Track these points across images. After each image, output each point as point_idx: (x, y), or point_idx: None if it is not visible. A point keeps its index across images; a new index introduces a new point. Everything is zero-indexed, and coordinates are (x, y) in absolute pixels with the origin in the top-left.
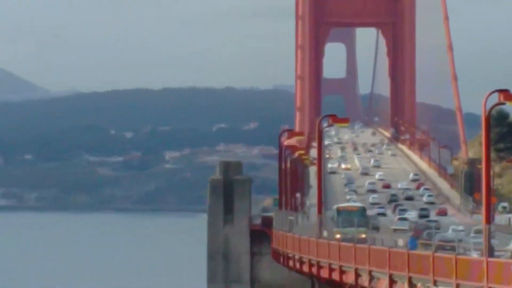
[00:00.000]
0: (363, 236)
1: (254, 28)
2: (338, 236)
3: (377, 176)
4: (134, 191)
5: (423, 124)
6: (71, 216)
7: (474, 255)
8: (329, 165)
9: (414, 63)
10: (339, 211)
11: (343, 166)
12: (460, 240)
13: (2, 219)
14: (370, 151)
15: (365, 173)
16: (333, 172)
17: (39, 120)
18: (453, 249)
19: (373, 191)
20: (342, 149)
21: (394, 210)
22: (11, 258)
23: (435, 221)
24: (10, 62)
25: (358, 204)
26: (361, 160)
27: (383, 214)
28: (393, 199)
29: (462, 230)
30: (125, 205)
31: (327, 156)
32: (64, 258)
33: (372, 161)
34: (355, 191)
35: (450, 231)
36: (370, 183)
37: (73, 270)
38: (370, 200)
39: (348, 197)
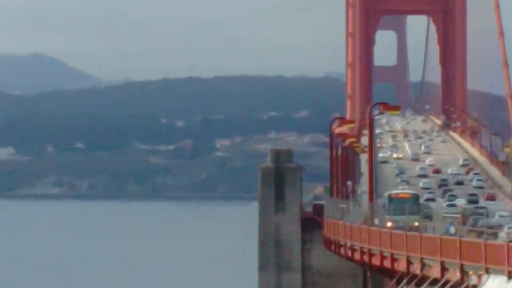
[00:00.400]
0: (416, 224)
1: (305, 16)
2: (389, 224)
3: (427, 162)
4: (185, 180)
5: (474, 111)
6: (122, 205)
7: (502, 235)
8: (380, 154)
9: (465, 50)
10: (391, 198)
11: (394, 155)
12: (500, 225)
13: (54, 208)
14: (420, 137)
15: (415, 159)
16: (385, 162)
17: (91, 109)
18: (495, 234)
19: (423, 176)
20: (394, 137)
21: (443, 195)
22: (63, 246)
23: (483, 207)
24: (62, 52)
25: (410, 191)
26: (411, 146)
27: (433, 199)
28: (443, 184)
29: (507, 216)
30: (176, 194)
31: (378, 145)
32: (116, 246)
33: (422, 147)
34: (407, 181)
35: (496, 217)
36: (421, 168)
37: (126, 258)
38: (421, 184)
39: (400, 187)
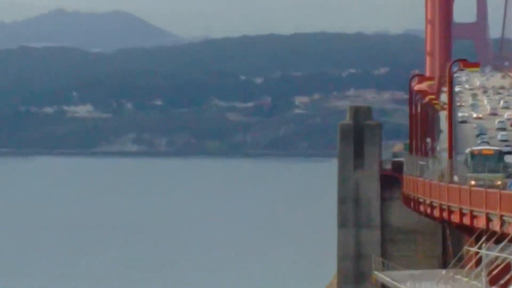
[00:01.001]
0: (499, 183)
1: None
2: (472, 182)
3: (505, 116)
4: (264, 137)
5: None
6: (201, 162)
7: None
8: (460, 114)
9: None
10: (473, 154)
11: (474, 115)
12: None
13: (133, 165)
14: (499, 93)
15: (493, 114)
16: (464, 122)
17: (170, 66)
18: None
19: (502, 129)
20: (473, 96)
21: None
22: (142, 203)
23: None
24: (142, 9)
25: (494, 148)
26: (490, 101)
27: (510, 153)
28: None
29: None
30: (255, 151)
31: (458, 104)
32: (195, 203)
33: (501, 102)
34: (487, 142)
35: None
36: (499, 122)
37: (205, 214)
38: (499, 137)
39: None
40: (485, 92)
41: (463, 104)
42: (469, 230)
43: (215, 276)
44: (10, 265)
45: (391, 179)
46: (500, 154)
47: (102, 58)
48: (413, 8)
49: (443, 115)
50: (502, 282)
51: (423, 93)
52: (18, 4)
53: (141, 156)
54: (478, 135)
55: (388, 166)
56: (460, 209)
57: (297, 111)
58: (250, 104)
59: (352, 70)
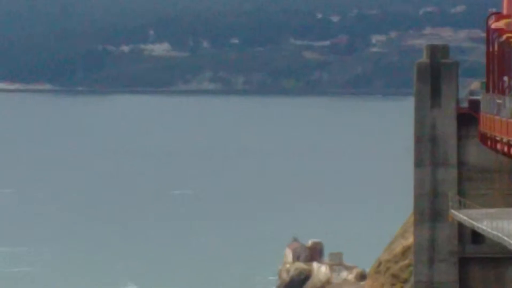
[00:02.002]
0: None
1: None
2: None
3: None
4: (341, 75)
5: None
6: (277, 100)
7: None
8: None
9: None
10: None
11: None
12: None
13: (210, 103)
14: None
15: None
16: None
17: (247, 5)
18: None
19: None
20: None
21: None
22: (218, 140)
23: None
24: None
25: None
26: None
27: None
28: None
29: None
30: (332, 89)
31: None
32: (272, 140)
33: None
34: None
35: None
36: None
37: (283, 151)
38: None
39: None
40: None
41: None
42: None
43: (293, 213)
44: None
45: (468, 118)
46: None
47: None
48: None
49: None
50: None
51: (500, 31)
52: None
53: (218, 94)
54: None
55: (465, 105)
56: None
57: (374, 49)
58: (326, 43)
59: (429, 8)
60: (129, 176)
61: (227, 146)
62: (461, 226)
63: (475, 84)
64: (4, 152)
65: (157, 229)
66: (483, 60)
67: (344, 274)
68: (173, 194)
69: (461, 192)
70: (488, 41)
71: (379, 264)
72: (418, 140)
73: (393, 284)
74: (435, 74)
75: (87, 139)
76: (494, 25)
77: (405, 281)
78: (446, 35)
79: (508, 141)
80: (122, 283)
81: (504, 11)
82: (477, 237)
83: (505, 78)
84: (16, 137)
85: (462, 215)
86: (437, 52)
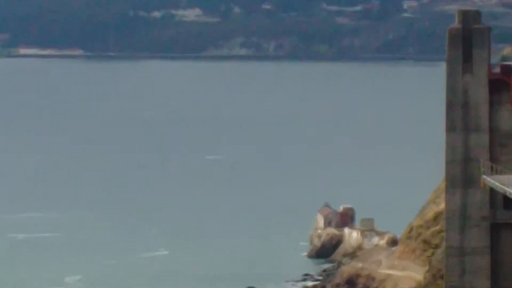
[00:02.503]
0: None
1: None
2: None
3: None
4: (373, 41)
5: None
6: (309, 66)
7: None
8: None
9: None
10: None
11: None
12: None
13: (241, 68)
14: None
15: None
16: None
17: None
18: None
19: None
20: None
21: None
22: (251, 106)
23: None
24: None
25: None
26: None
27: None
28: None
29: None
30: (364, 55)
31: None
32: (304, 105)
33: None
34: None
35: None
36: None
37: (316, 116)
38: None
39: None
40: None
41: None
42: None
43: (324, 179)
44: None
45: (500, 83)
46: None
47: None
48: None
49: None
50: None
51: None
52: None
53: (249, 60)
54: None
55: (497, 70)
56: None
57: (406, 15)
58: (358, 8)
59: None
60: (160, 142)
61: (258, 112)
62: (492, 191)
63: (507, 50)
64: (35, 118)
65: (188, 195)
66: None
67: (376, 239)
68: (205, 159)
69: (492, 158)
70: None
71: (411, 229)
72: (450, 106)
73: (424, 250)
74: (467, 39)
75: (119, 105)
76: None
77: (437, 246)
78: (478, 0)
79: None
80: (154, 248)
81: None
82: (508, 202)
83: None
84: (47, 103)
85: (493, 181)
86: (469, 17)
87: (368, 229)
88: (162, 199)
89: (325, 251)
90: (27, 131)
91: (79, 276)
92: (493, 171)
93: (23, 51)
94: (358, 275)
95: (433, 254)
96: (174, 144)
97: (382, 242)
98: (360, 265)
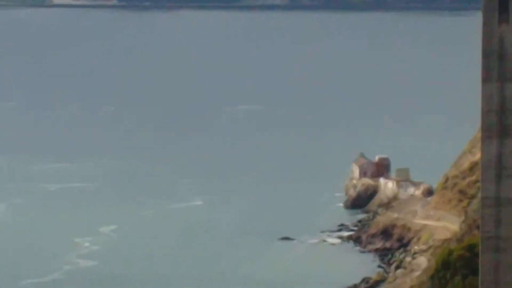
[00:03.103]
0: None
1: None
2: None
3: None
4: None
5: None
6: (344, 15)
7: None
8: None
9: None
10: None
11: None
12: None
13: (276, 18)
14: None
15: None
16: None
17: None
18: None
19: None
20: None
21: None
22: (285, 56)
23: None
24: None
25: None
26: None
27: None
28: None
29: None
30: (398, 4)
31: None
32: (338, 56)
33: None
34: None
35: None
36: None
37: (350, 68)
38: None
39: None
40: None
41: None
42: None
43: (359, 129)
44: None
45: None
46: None
47: None
48: None
49: None
50: None
51: None
52: None
53: (285, 9)
54: None
55: None
56: None
57: None
58: None
59: None
60: (196, 93)
61: (293, 62)
62: None
63: None
64: (67, 68)
65: (223, 145)
66: None
67: (411, 189)
68: (240, 109)
69: None
70: None
71: (446, 179)
72: (486, 55)
73: (460, 200)
74: None
75: (155, 55)
76: None
77: (472, 197)
78: None
79: None
80: (188, 199)
81: None
82: None
83: None
84: (79, 52)
85: None
86: None
87: (404, 179)
88: (197, 149)
89: (360, 201)
90: (60, 82)
91: (113, 226)
92: None
93: (56, 0)
94: (393, 226)
95: (468, 204)
96: (210, 95)
97: (418, 192)
98: (395, 215)
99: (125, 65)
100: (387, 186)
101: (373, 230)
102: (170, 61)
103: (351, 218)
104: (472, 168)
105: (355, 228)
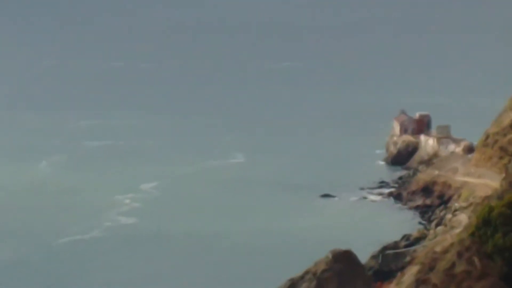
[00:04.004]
0: None
1: None
2: None
3: None
4: None
5: None
6: None
7: None
8: None
9: None
10: None
11: None
12: None
13: None
14: None
15: None
16: None
17: None
18: None
19: None
20: None
21: None
22: (326, 16)
23: None
24: None
25: None
26: None
27: None
28: None
29: None
30: None
31: None
32: (381, 14)
33: None
34: None
35: None
36: None
37: (391, 25)
38: None
39: None
40: None
41: None
42: None
43: (400, 85)
44: None
45: None
46: None
47: None
48: None
49: None
50: None
51: None
52: None
53: None
54: None
55: None
56: None
57: None
58: None
59: None
60: (236, 49)
61: (334, 21)
62: None
63: None
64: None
65: (264, 102)
66: None
67: (452, 147)
68: (280, 66)
69: None
70: None
71: (487, 137)
72: None
73: (501, 157)
74: None
75: (185, 10)
76: None
77: None
78: None
79: None
80: (230, 155)
81: None
82: None
83: None
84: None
85: None
86: None
87: (444, 136)
88: (237, 105)
89: (401, 158)
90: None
91: (154, 183)
92: None
93: None
94: (434, 183)
95: (509, 161)
96: (251, 51)
97: (458, 149)
98: (436, 172)
99: (159, 19)
100: (427, 143)
101: (413, 187)
102: (215, 18)
103: (392, 175)
104: None
105: (396, 185)
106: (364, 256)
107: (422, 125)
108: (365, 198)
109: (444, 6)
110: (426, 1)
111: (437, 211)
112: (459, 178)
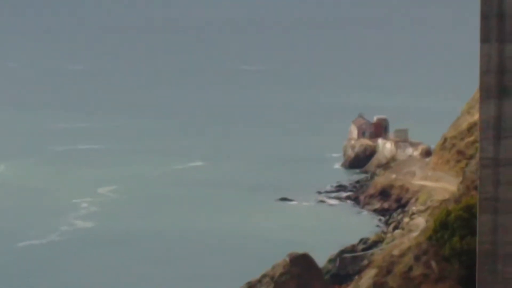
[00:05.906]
0: None
1: None
2: None
3: None
4: None
5: None
6: None
7: None
8: None
9: None
10: None
11: None
12: None
13: None
14: None
15: None
16: None
17: None
18: None
19: None
20: None
21: None
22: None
23: None
24: None
25: None
26: None
27: None
28: None
29: None
30: None
31: None
32: (345, 11)
33: None
34: None
35: None
36: None
37: (357, 21)
38: None
39: None
40: None
41: None
42: None
43: (358, 89)
44: None
45: None
46: None
47: None
48: None
49: None
50: None
51: None
52: None
53: None
54: None
55: None
56: None
57: None
58: None
59: None
60: (197, 51)
61: (295, 19)
62: None
63: None
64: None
65: (221, 104)
66: None
67: (409, 150)
68: (241, 69)
69: None
70: None
71: (445, 140)
72: (485, 16)
73: (458, 161)
74: None
75: (159, 11)
76: None
77: (471, 157)
78: None
79: None
80: (189, 159)
81: None
82: None
83: None
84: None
85: None
86: None
87: (402, 139)
88: (196, 107)
89: (358, 162)
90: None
91: (113, 186)
92: None
93: None
94: (391, 186)
95: (467, 165)
96: (212, 52)
97: (416, 153)
98: (393, 176)
99: (137, 22)
100: (385, 146)
101: (371, 190)
102: (176, 16)
103: (349, 178)
104: (470, 128)
105: (354, 189)
106: (321, 259)
107: (380, 129)
108: (322, 201)
109: (404, 6)
110: (384, 1)
111: (395, 215)
112: (417, 181)
